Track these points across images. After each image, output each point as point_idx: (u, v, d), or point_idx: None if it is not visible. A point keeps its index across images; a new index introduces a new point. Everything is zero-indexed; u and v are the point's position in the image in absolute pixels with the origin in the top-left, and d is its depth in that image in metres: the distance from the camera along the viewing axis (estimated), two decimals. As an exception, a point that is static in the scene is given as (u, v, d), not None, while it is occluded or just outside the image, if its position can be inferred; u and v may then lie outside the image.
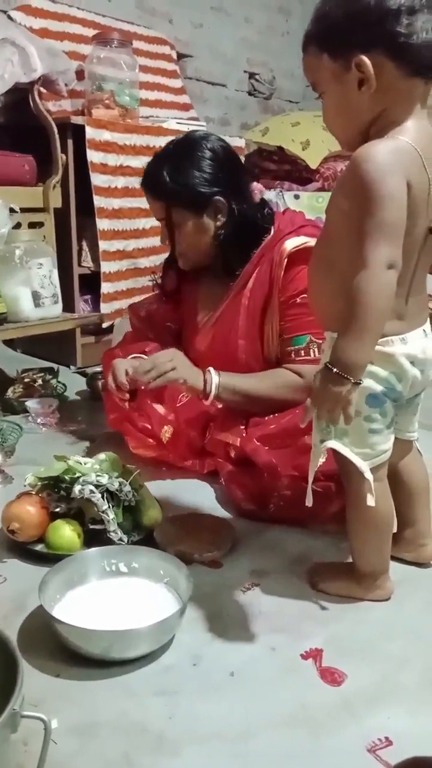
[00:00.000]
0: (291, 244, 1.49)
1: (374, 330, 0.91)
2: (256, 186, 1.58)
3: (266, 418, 1.48)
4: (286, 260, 1.48)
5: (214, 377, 1.48)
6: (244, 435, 1.48)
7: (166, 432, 1.60)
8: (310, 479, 1.08)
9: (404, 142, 0.91)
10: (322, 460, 1.07)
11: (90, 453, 1.69)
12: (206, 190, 1.49)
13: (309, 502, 1.08)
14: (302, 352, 1.50)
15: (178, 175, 1.47)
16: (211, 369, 1.49)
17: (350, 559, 1.18)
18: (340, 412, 0.94)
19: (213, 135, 1.56)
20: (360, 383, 0.93)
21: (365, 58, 0.91)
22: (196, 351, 1.66)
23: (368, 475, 1.04)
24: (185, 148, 1.51)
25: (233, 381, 1.50)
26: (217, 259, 1.58)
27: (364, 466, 1.04)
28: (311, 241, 1.45)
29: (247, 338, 1.57)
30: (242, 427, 1.52)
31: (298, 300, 1.48)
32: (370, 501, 1.04)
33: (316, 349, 1.48)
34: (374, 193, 0.88)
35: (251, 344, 1.57)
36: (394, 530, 1.18)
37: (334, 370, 0.92)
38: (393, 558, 1.18)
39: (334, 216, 1.01)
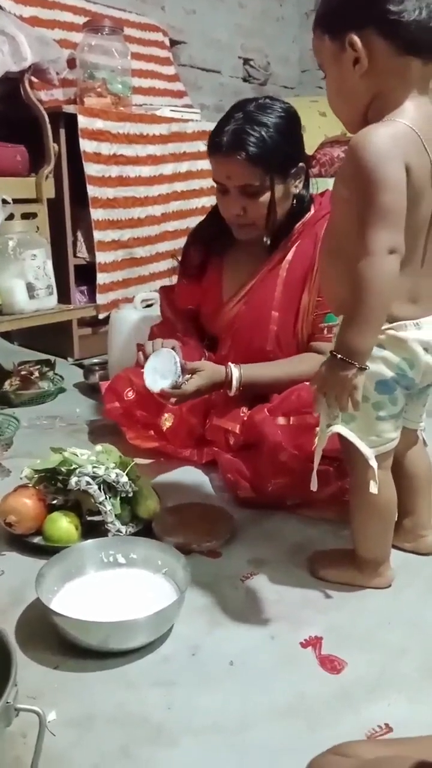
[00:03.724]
0: None
1: (377, 316, 0.91)
2: None
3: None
4: None
5: (234, 371, 1.48)
6: (244, 420, 1.48)
7: (167, 420, 1.60)
8: (316, 462, 1.07)
9: (401, 124, 0.91)
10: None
11: (87, 444, 1.68)
12: (298, 153, 1.48)
13: (314, 486, 1.07)
14: (335, 329, 1.50)
15: (280, 140, 1.41)
16: (231, 365, 1.49)
17: (350, 547, 1.17)
18: (347, 398, 0.93)
19: (278, 98, 1.51)
20: (366, 368, 0.93)
21: (355, 36, 0.91)
22: (219, 325, 1.65)
23: (373, 463, 1.03)
24: (273, 112, 1.43)
25: (255, 372, 1.50)
26: (270, 229, 1.52)
27: (369, 453, 1.04)
28: None
29: (282, 310, 1.56)
30: (242, 414, 1.52)
31: None
32: (373, 488, 1.03)
33: None
34: (372, 180, 0.87)
35: (285, 315, 1.56)
36: (395, 519, 1.17)
37: (339, 356, 0.92)
38: (392, 546, 1.17)
39: (336, 203, 1.01)
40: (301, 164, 1.49)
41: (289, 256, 1.55)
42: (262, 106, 1.43)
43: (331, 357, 0.93)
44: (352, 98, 0.98)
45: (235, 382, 1.48)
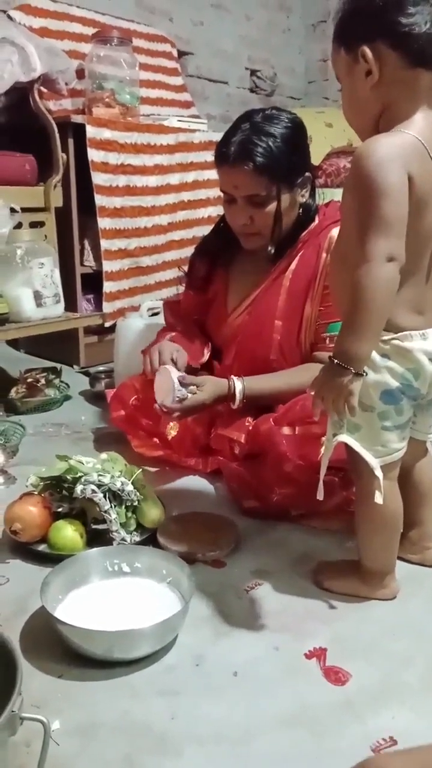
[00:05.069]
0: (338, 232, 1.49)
1: (374, 322, 0.92)
2: None
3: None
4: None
5: (237, 384, 1.48)
6: (249, 429, 1.48)
7: (172, 429, 1.60)
8: (322, 472, 1.07)
9: (408, 135, 0.92)
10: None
11: (92, 452, 1.69)
12: (304, 163, 1.49)
13: (320, 495, 1.07)
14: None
15: (287, 150, 1.42)
16: (234, 378, 1.49)
17: (356, 558, 1.17)
18: (343, 403, 0.94)
19: (285, 109, 1.53)
20: (363, 374, 0.93)
21: (367, 48, 0.93)
22: (223, 335, 1.65)
23: (378, 473, 1.03)
24: (280, 122, 1.45)
25: (258, 384, 1.50)
26: (277, 238, 1.53)
27: (374, 463, 1.04)
28: None
29: (285, 319, 1.56)
30: (247, 423, 1.52)
31: None
32: (378, 499, 1.03)
33: None
34: (372, 188, 0.89)
35: (289, 325, 1.56)
36: (401, 531, 1.17)
37: (336, 361, 0.93)
38: (397, 558, 1.16)
39: (344, 212, 1.02)
40: (307, 174, 1.50)
41: (293, 266, 1.56)
42: (268, 116, 1.44)
43: (329, 362, 0.95)
44: (363, 109, 0.99)
45: (238, 395, 1.48)
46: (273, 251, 1.52)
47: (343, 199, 1.01)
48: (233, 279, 1.66)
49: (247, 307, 1.60)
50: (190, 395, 1.42)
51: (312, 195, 1.55)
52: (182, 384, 1.42)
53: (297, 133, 1.46)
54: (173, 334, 1.67)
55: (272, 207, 1.46)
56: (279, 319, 1.57)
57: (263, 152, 1.40)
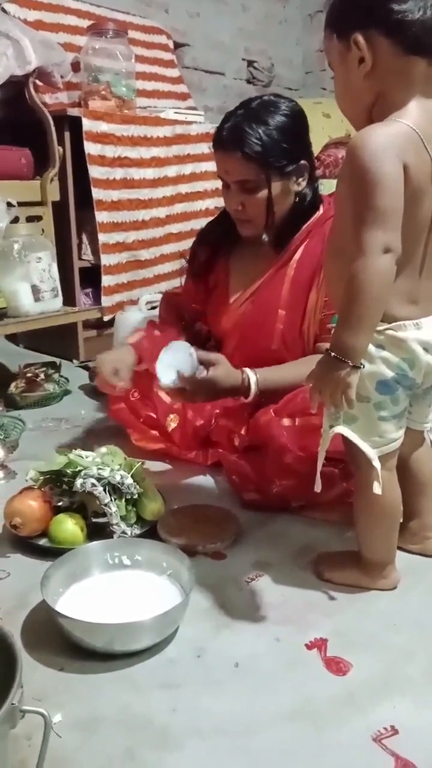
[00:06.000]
0: None
1: (371, 315, 0.92)
2: None
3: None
4: None
5: (251, 376, 1.46)
6: (249, 421, 1.48)
7: (172, 421, 1.60)
8: (319, 464, 1.07)
9: (402, 124, 0.91)
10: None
11: (92, 446, 1.68)
12: (300, 151, 1.48)
13: (318, 487, 1.07)
14: None
15: (279, 138, 1.42)
16: (247, 369, 1.47)
17: (356, 549, 1.17)
18: (341, 396, 0.94)
19: (285, 96, 1.52)
20: (360, 367, 0.93)
21: (360, 36, 0.92)
22: (224, 324, 1.64)
23: (376, 463, 1.03)
24: (277, 110, 1.45)
25: (270, 376, 1.49)
26: (273, 228, 1.53)
27: (372, 454, 1.03)
28: None
29: (289, 309, 1.56)
30: (247, 415, 1.52)
31: None
32: (377, 489, 1.03)
33: None
34: (367, 179, 0.88)
35: (292, 315, 1.56)
36: (400, 521, 1.17)
37: (333, 354, 0.93)
38: (398, 548, 1.16)
39: (338, 203, 1.02)
40: (302, 162, 1.49)
41: (297, 255, 1.55)
42: (265, 103, 1.44)
43: (326, 355, 0.95)
44: (357, 97, 0.98)
45: (253, 387, 1.45)
46: (267, 239, 1.52)
47: (337, 188, 1.01)
48: (235, 268, 1.65)
49: (250, 296, 1.60)
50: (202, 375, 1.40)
51: (310, 183, 1.54)
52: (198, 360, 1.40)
53: (292, 121, 1.45)
54: (157, 332, 1.66)
55: (263, 194, 1.46)
56: (282, 308, 1.56)
57: (252, 139, 1.40)
